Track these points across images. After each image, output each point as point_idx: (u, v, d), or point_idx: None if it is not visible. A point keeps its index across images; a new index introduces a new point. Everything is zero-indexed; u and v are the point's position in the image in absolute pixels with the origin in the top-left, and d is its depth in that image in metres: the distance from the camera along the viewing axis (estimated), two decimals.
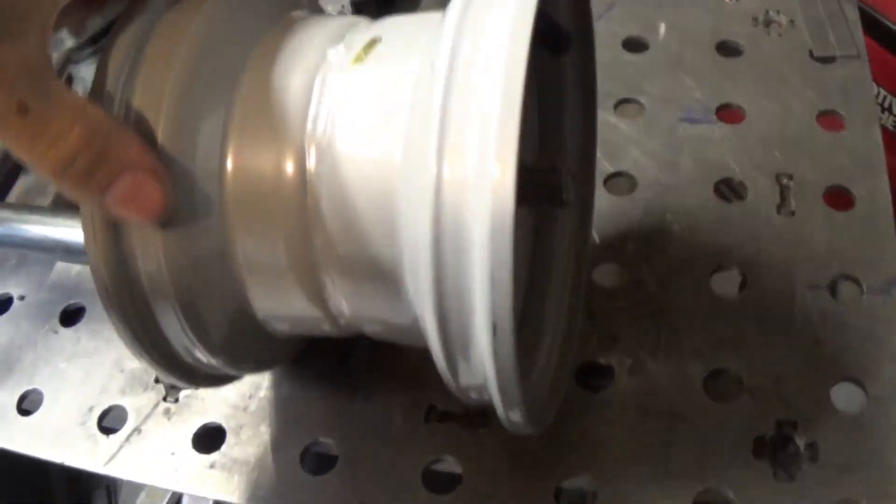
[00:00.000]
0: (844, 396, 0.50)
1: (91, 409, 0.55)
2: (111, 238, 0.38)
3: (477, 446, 0.50)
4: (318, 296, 0.42)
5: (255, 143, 0.39)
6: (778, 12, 0.72)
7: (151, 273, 0.38)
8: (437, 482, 0.49)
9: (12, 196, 0.69)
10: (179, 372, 0.43)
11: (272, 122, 0.39)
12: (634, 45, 0.71)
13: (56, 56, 0.48)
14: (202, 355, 0.42)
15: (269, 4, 0.44)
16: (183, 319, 0.40)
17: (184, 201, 0.38)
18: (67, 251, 0.53)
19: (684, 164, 0.62)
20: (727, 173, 0.60)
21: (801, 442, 0.48)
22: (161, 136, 0.37)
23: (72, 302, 0.62)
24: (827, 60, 0.67)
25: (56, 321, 0.61)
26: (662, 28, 0.72)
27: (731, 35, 0.70)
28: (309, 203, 0.39)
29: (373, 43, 0.40)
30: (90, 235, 0.38)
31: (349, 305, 0.42)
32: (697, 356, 0.52)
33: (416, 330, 0.39)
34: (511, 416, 0.39)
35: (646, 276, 0.56)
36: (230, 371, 0.45)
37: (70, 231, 0.53)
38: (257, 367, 0.50)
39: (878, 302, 0.53)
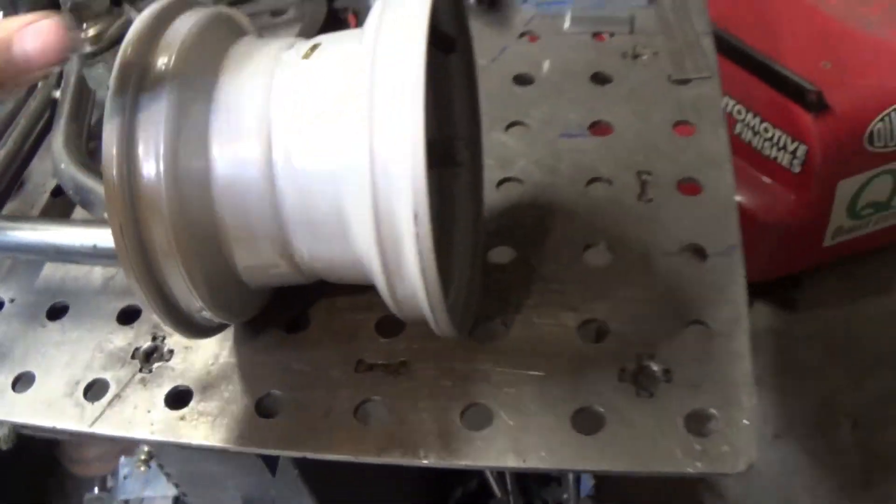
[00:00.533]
0: (694, 335, 0.63)
1: (77, 383, 0.66)
2: (130, 215, 0.50)
3: (397, 387, 0.62)
4: (285, 251, 0.56)
5: (230, 132, 0.53)
6: (644, 46, 0.87)
7: (161, 241, 0.51)
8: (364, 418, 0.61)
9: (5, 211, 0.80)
10: (182, 323, 0.57)
11: (240, 114, 0.53)
12: (523, 79, 0.85)
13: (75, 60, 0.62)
14: (198, 306, 0.55)
15: (230, 29, 0.58)
16: (185, 277, 0.52)
17: (183, 182, 0.51)
18: (58, 252, 0.65)
19: (563, 168, 0.75)
20: (597, 174, 0.74)
21: (657, 368, 0.60)
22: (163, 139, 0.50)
23: (57, 301, 0.73)
24: (683, 82, 0.82)
25: (44, 317, 0.72)
26: (546, 65, 0.87)
27: (603, 67, 0.85)
28: (275, 180, 0.53)
29: (315, 46, 0.54)
30: (114, 210, 0.50)
31: (309, 255, 0.56)
32: (572, 311, 0.64)
33: (360, 265, 0.54)
34: (439, 318, 0.52)
35: (530, 254, 0.69)
36: (218, 319, 0.58)
37: (59, 234, 0.65)
38: (236, 317, 0.62)
39: (721, 262, 0.66)
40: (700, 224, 0.69)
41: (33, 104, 0.87)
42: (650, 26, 0.88)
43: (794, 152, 1.76)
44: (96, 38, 0.59)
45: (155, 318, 0.66)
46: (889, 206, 1.87)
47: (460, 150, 0.62)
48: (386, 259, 0.51)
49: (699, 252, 0.67)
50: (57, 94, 0.86)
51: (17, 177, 0.84)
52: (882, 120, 1.72)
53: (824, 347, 1.92)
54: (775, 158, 1.81)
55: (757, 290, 1.89)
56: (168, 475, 0.94)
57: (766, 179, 1.85)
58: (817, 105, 1.69)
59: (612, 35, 0.89)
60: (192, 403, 0.63)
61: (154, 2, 0.55)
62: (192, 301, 0.55)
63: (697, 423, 0.57)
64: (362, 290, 0.63)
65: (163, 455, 0.88)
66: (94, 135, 0.80)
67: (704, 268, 0.66)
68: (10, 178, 0.82)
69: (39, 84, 0.90)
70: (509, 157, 0.77)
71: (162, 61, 0.52)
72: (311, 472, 0.83)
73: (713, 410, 0.57)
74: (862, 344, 1.91)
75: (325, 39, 0.56)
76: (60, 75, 0.87)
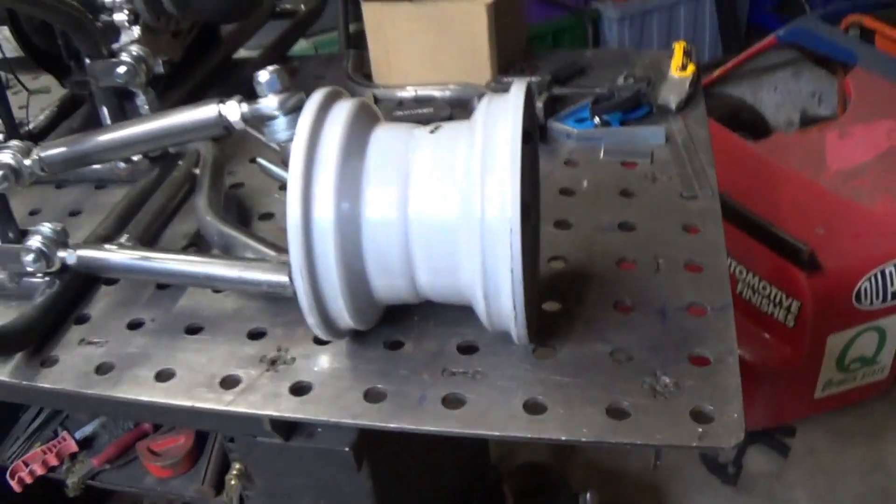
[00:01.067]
0: (697, 362, 0.82)
1: (213, 376, 0.86)
2: (306, 245, 0.72)
3: (474, 387, 0.81)
4: (409, 277, 0.77)
5: (377, 182, 0.75)
6: (661, 172, 1.10)
7: (327, 267, 0.73)
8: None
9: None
10: (331, 329, 0.78)
11: (385, 170, 0.75)
12: (567, 192, 1.09)
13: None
14: (346, 318, 0.76)
15: (372, 114, 0.81)
16: (343, 298, 0.74)
17: (343, 220, 0.72)
18: (220, 280, 0.87)
19: (597, 252, 0.97)
20: (623, 257, 0.96)
21: (669, 381, 0.79)
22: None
23: (193, 322, 0.93)
24: (691, 198, 1.05)
25: (182, 332, 0.92)
26: (585, 182, 1.10)
27: (629, 185, 1.08)
28: (407, 222, 0.75)
29: (437, 127, 0.77)
30: (295, 241, 0.72)
31: (427, 283, 0.78)
32: (605, 343, 0.84)
33: (464, 292, 0.76)
34: (520, 332, 0.74)
35: (573, 306, 0.89)
36: (355, 326, 0.79)
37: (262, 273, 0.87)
38: (366, 325, 0.83)
39: (717, 315, 0.86)
40: (701, 290, 0.90)
41: (177, 176, 1.11)
42: (666, 158, 1.13)
43: (788, 308, 1.98)
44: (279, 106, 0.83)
45: (281, 336, 0.87)
46: (875, 361, 2.06)
47: (533, 213, 0.84)
48: (488, 291, 0.73)
49: (701, 308, 0.88)
50: (196, 170, 1.09)
51: (161, 231, 1.06)
52: (868, 280, 1.94)
53: (814, 491, 2.08)
54: (772, 314, 2.02)
55: (753, 437, 2.07)
56: (247, 496, 1.09)
57: (764, 334, 2.06)
58: (810, 264, 1.91)
59: (636, 164, 1.13)
60: (312, 392, 0.82)
61: (320, 89, 0.79)
62: (342, 314, 0.77)
63: (699, 416, 0.76)
64: (448, 321, 0.84)
65: (254, 466, 1.03)
66: (229, 198, 1.04)
67: (705, 319, 0.86)
68: (155, 230, 1.04)
69: (180, 161, 1.14)
70: (557, 244, 0.99)
71: (332, 131, 0.75)
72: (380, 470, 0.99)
73: (711, 408, 0.76)
74: (849, 488, 2.07)
75: (444, 124, 0.79)
76: (198, 156, 1.11)
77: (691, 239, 0.98)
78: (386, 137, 0.78)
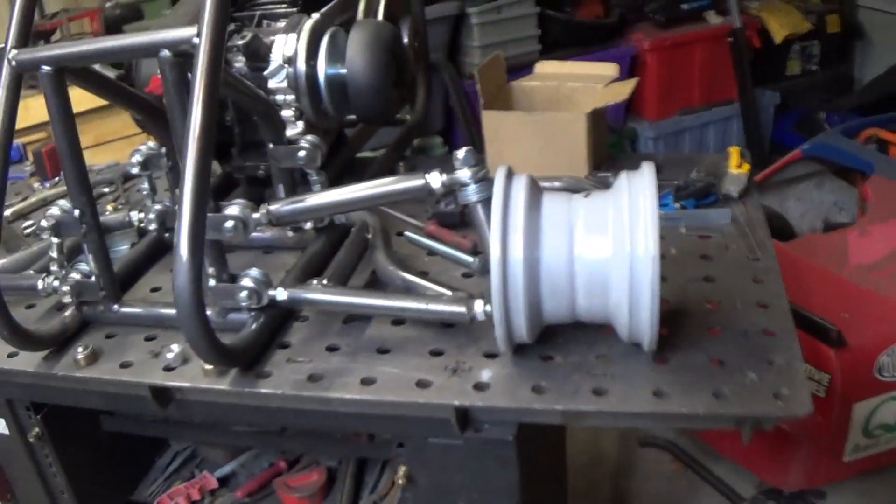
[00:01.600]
0: (772, 365, 1.11)
1: (410, 380, 1.14)
2: (503, 284, 1.03)
3: (611, 384, 1.10)
4: (572, 305, 1.08)
5: (551, 235, 1.06)
6: (732, 243, 1.41)
7: (516, 297, 1.03)
8: None
9: None
10: (510, 342, 1.08)
11: (556, 225, 1.06)
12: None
13: None
14: (523, 332, 1.06)
15: (538, 186, 1.12)
16: (524, 315, 1.04)
17: (529, 263, 1.04)
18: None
19: (689, 294, 1.27)
20: (710, 298, 1.26)
21: (753, 375, 1.08)
22: None
23: (381, 345, 1.22)
24: (755, 260, 1.35)
25: (374, 353, 1.21)
26: (672, 250, 1.41)
27: (707, 252, 1.39)
28: (573, 262, 1.05)
29: (588, 194, 1.09)
30: (497, 281, 1.03)
31: (585, 308, 1.08)
32: (705, 354, 1.13)
33: (611, 314, 1.05)
34: (653, 340, 1.03)
35: (673, 327, 1.19)
36: (528, 341, 1.10)
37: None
38: (533, 339, 1.12)
39: (782, 336, 1.15)
40: (771, 320, 1.19)
41: (356, 239, 1.41)
42: (733, 232, 1.44)
43: (819, 381, 2.26)
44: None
45: (456, 353, 1.16)
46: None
47: None
48: (632, 308, 1.03)
49: (772, 332, 1.17)
50: (369, 235, 1.40)
51: (346, 281, 1.36)
52: (888, 355, 2.23)
53: None
54: None
55: (787, 499, 2.31)
56: (406, 498, 1.34)
57: None
58: (838, 342, 2.20)
59: (710, 236, 1.44)
60: (490, 389, 1.11)
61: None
62: (521, 329, 1.06)
63: (779, 396, 1.04)
64: (585, 340, 1.14)
65: (421, 467, 1.28)
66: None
67: (776, 338, 1.16)
68: (344, 279, 1.35)
69: (354, 228, 1.45)
70: None
71: (518, 196, 1.06)
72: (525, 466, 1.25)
73: (786, 392, 1.05)
74: None
75: (592, 192, 1.10)
76: (367, 225, 1.42)
77: (759, 287, 1.28)
78: (553, 200, 1.09)
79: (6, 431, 1.48)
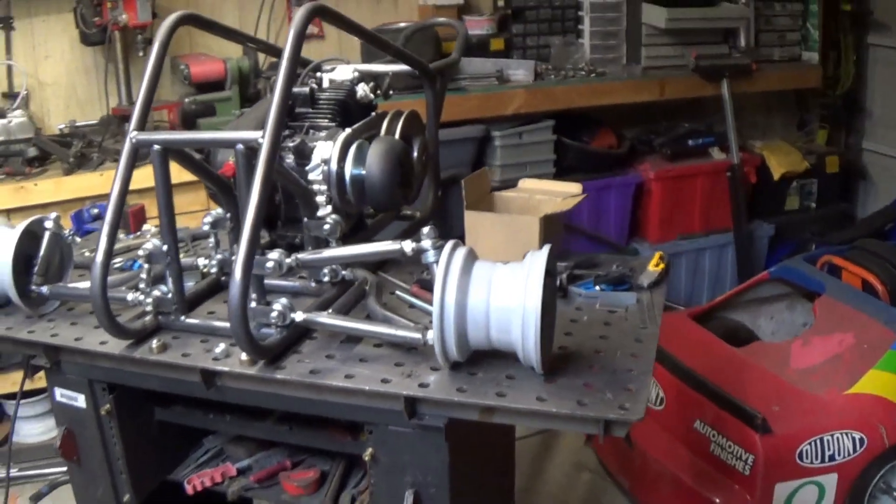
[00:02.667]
0: (628, 392, 1.61)
1: (378, 379, 1.66)
2: (440, 320, 1.57)
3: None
4: (488, 337, 1.61)
5: (476, 288, 1.60)
6: (626, 316, 1.92)
7: (448, 331, 1.58)
8: None
9: None
10: (446, 360, 1.62)
11: (481, 282, 1.60)
12: (574, 321, 1.91)
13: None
14: (455, 354, 1.61)
15: (475, 255, 1.67)
16: (456, 344, 1.58)
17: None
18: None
19: (584, 346, 1.78)
20: (598, 349, 1.77)
21: (610, 395, 1.58)
22: None
23: (362, 356, 1.75)
24: (643, 327, 1.86)
25: (357, 362, 1.73)
26: (585, 317, 1.92)
27: (606, 333, 1.90)
28: (490, 309, 1.60)
29: (506, 264, 1.63)
30: (436, 318, 1.57)
31: (496, 339, 1.61)
32: (581, 379, 1.64)
33: (514, 345, 1.59)
34: (538, 365, 1.57)
35: (566, 363, 1.70)
36: (460, 359, 1.62)
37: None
38: (463, 359, 1.64)
39: (643, 373, 1.66)
40: (635, 365, 1.69)
41: (356, 290, 1.96)
42: (634, 310, 1.95)
43: (745, 460, 2.72)
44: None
45: (412, 366, 1.68)
46: None
47: (549, 313, 1.66)
48: (524, 344, 1.55)
49: (632, 370, 1.67)
50: (366, 287, 1.94)
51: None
52: (809, 444, 2.69)
53: None
54: (734, 465, 2.76)
55: None
56: (372, 473, 1.84)
57: (728, 481, 2.79)
58: (762, 428, 2.67)
59: (616, 311, 1.95)
60: (430, 387, 1.63)
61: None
62: (453, 353, 1.59)
63: (623, 408, 1.54)
64: (497, 365, 1.65)
65: (382, 448, 1.77)
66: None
67: (632, 375, 1.65)
68: (345, 314, 1.89)
69: (356, 282, 1.99)
70: (564, 341, 1.80)
71: (457, 260, 1.60)
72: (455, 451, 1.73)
73: (628, 405, 1.54)
74: None
75: (510, 264, 1.64)
76: (366, 280, 1.96)
77: (638, 345, 1.78)
78: (481, 266, 1.62)
79: (83, 405, 2.03)
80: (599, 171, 4.59)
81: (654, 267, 2.13)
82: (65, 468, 3.83)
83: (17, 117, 3.85)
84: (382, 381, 1.66)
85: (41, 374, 2.11)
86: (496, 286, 1.60)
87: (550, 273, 1.65)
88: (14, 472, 3.80)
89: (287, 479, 2.13)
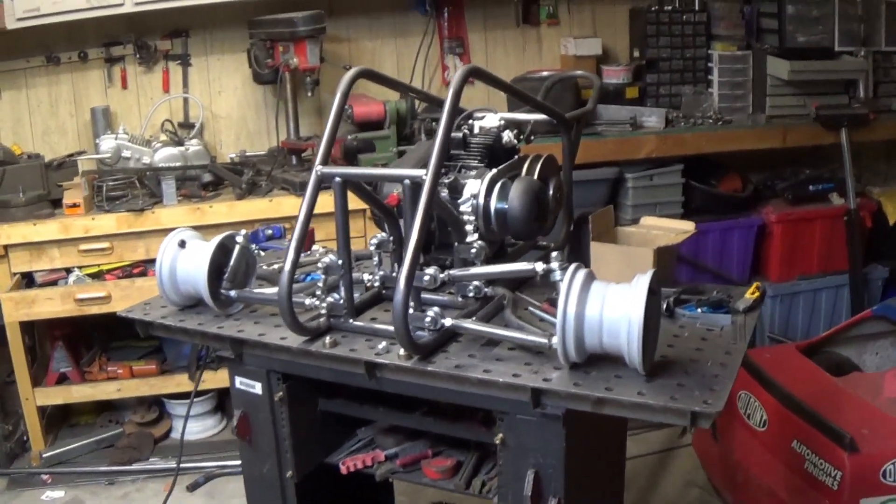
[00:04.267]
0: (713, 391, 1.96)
1: (512, 373, 2.06)
2: (563, 327, 1.97)
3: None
4: (601, 343, 1.98)
5: (592, 303, 1.99)
6: (720, 333, 2.26)
7: (570, 336, 1.97)
8: None
9: None
10: (567, 361, 2.01)
11: (595, 298, 1.99)
12: (677, 336, 2.26)
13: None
14: (574, 357, 1.98)
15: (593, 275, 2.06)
16: (575, 349, 1.96)
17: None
18: None
19: (684, 352, 2.14)
20: (697, 359, 2.12)
21: (698, 393, 1.93)
22: None
23: (497, 357, 2.15)
24: (734, 343, 2.20)
25: (493, 361, 2.13)
26: (686, 333, 2.28)
27: (707, 336, 2.25)
28: (602, 319, 1.98)
29: (619, 283, 2.01)
30: (560, 326, 1.97)
31: (609, 344, 1.98)
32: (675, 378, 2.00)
33: (622, 350, 1.95)
34: (639, 367, 1.94)
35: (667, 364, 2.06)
36: (579, 361, 2.00)
37: None
38: (582, 361, 2.03)
39: (729, 368, 2.00)
40: (721, 372, 2.03)
41: (495, 304, 2.36)
42: (729, 329, 2.29)
43: (834, 476, 2.99)
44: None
45: (538, 365, 2.08)
46: None
47: (653, 323, 2.03)
48: (629, 349, 1.91)
49: (717, 376, 2.01)
50: (504, 302, 2.35)
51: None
52: (892, 463, 2.94)
53: None
54: (824, 481, 3.03)
55: None
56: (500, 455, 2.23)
57: (819, 496, 3.06)
58: (850, 447, 2.94)
59: (713, 329, 2.29)
60: (552, 382, 2.01)
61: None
62: (573, 356, 1.97)
63: (705, 403, 1.89)
64: (607, 365, 2.02)
65: (511, 434, 2.17)
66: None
67: (718, 379, 1.99)
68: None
69: (496, 297, 2.40)
70: (666, 351, 2.15)
71: (578, 279, 1.99)
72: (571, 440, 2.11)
73: (710, 401, 1.89)
74: None
75: (621, 283, 2.01)
76: (506, 295, 2.37)
77: (727, 356, 2.11)
78: (597, 284, 2.00)
79: (260, 392, 2.46)
80: (724, 212, 4.90)
81: (750, 294, 2.46)
82: (218, 462, 4.39)
83: (193, 145, 4.44)
84: (514, 376, 2.04)
85: (205, 379, 2.53)
86: (608, 300, 1.97)
87: (654, 292, 2.00)
88: (172, 464, 4.31)
89: (428, 466, 2.51)
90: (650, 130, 4.74)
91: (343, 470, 2.56)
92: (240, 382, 2.53)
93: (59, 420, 4.85)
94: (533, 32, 5.16)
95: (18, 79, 4.73)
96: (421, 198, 2.09)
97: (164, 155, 4.38)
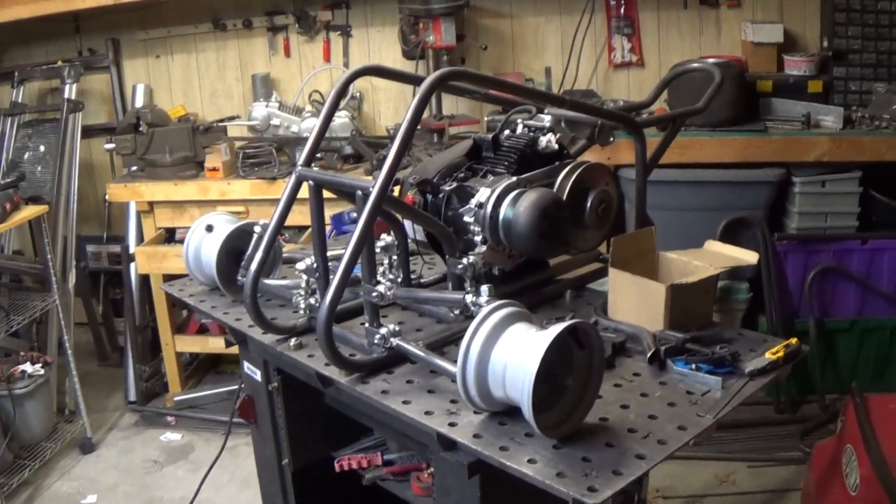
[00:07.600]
0: None
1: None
2: (463, 371, 1.78)
3: None
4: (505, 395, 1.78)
5: (499, 350, 1.78)
6: (699, 401, 1.95)
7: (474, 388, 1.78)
8: None
9: None
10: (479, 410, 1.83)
11: (506, 345, 1.79)
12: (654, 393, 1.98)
13: None
14: (482, 406, 1.80)
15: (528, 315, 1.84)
16: (479, 399, 1.77)
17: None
18: None
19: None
20: (638, 426, 1.84)
21: None
22: None
23: (431, 389, 1.99)
24: (700, 416, 1.89)
25: (426, 394, 1.98)
26: (658, 393, 1.98)
27: (677, 401, 1.95)
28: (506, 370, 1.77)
29: (542, 328, 1.78)
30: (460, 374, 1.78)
31: (506, 397, 1.78)
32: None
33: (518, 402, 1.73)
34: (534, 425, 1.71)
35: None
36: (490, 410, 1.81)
37: None
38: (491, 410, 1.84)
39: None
40: (646, 451, 1.75)
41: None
42: (716, 398, 1.96)
43: None
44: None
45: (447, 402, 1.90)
46: None
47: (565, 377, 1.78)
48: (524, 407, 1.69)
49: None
50: None
51: None
52: None
53: None
54: None
55: None
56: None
57: None
58: None
59: (693, 394, 1.98)
60: (458, 428, 1.84)
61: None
62: (481, 405, 1.78)
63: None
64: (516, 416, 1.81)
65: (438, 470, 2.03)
66: None
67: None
68: None
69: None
70: (608, 411, 1.89)
71: (491, 320, 1.78)
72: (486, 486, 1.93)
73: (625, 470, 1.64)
74: None
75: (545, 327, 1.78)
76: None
77: (677, 432, 1.81)
78: (520, 326, 1.79)
79: (260, 379, 2.50)
80: None
81: (771, 354, 2.09)
82: None
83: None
84: (425, 413, 1.89)
85: None
86: (517, 346, 1.75)
87: (581, 345, 1.76)
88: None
89: (416, 479, 2.42)
90: (824, 131, 4.24)
91: (336, 468, 2.53)
92: (246, 367, 2.60)
93: (208, 365, 5.18)
94: (711, 14, 4.69)
95: (188, 43, 5.02)
96: (364, 209, 1.97)
97: (308, 125, 4.47)
